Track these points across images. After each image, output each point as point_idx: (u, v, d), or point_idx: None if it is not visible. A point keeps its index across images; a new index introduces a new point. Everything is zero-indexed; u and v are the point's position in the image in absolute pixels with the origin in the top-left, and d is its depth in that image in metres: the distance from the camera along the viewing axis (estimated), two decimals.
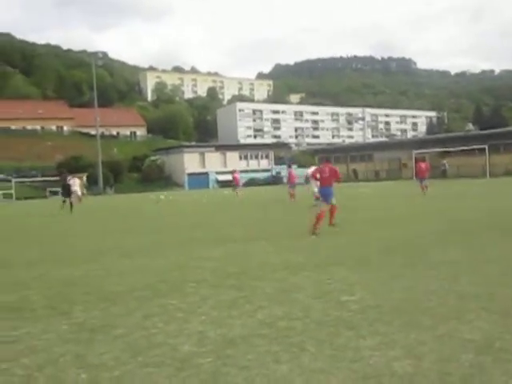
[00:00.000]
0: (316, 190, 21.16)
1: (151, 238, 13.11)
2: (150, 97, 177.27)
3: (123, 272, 8.24)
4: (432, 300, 5.53)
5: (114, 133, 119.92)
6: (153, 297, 6.31)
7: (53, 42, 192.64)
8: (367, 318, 4.97)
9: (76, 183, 35.42)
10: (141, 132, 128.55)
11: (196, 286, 6.86)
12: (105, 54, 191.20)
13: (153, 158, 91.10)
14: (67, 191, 29.13)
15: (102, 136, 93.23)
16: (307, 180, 23.28)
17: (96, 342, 4.67)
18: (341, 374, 3.64)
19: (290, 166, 36.43)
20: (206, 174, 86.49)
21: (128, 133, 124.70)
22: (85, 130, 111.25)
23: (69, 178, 31.32)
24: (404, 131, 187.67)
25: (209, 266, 8.39)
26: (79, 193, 36.90)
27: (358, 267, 7.66)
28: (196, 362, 4.03)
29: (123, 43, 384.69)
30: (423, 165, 27.63)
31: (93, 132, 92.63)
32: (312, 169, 24.04)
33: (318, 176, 13.39)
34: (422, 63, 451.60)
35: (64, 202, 28.80)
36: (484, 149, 56.08)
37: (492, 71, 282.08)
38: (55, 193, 69.33)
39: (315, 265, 7.99)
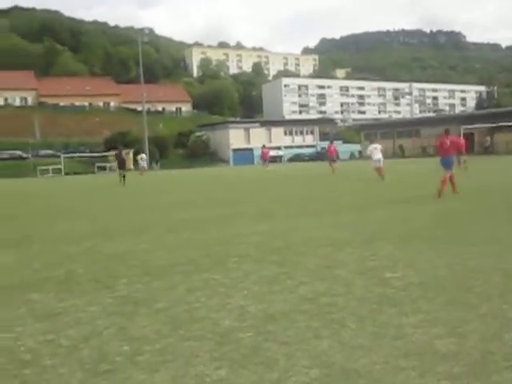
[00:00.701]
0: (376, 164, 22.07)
1: (196, 213, 13.19)
2: (195, 73, 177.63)
3: (167, 246, 8.32)
4: (476, 278, 5.43)
5: (160, 109, 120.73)
6: (196, 271, 6.36)
7: (100, 19, 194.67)
8: (410, 295, 4.91)
9: (143, 158, 42.92)
10: (186, 108, 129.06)
11: (238, 260, 6.89)
12: (151, 31, 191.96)
13: (198, 133, 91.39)
14: (123, 165, 32.18)
15: (148, 112, 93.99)
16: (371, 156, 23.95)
17: (139, 315, 4.74)
18: (382, 351, 3.61)
19: (331, 142, 36.76)
20: (251, 149, 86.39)
21: (174, 109, 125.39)
22: (131, 106, 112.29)
23: (123, 152, 34.76)
24: (452, 106, 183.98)
25: (252, 241, 8.40)
26: (145, 166, 42.82)
27: (403, 243, 7.57)
28: (236, 336, 4.05)
29: (169, 19, 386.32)
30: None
31: (139, 108, 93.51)
32: (370, 147, 24.82)
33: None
34: (472, 36, 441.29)
35: (121, 174, 31.29)
36: None
37: None
38: (103, 168, 70.52)
39: (359, 241, 7.92)
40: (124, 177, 30.99)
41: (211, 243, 8.39)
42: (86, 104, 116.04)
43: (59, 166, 66.52)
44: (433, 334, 3.87)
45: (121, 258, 7.53)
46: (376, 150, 24.23)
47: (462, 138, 27.10)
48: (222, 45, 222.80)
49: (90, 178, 50.99)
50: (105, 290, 5.65)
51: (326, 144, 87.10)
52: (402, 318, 4.29)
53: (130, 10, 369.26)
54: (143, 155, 50.10)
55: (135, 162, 65.35)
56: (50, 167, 66.76)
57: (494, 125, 61.38)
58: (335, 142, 41.40)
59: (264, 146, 48.56)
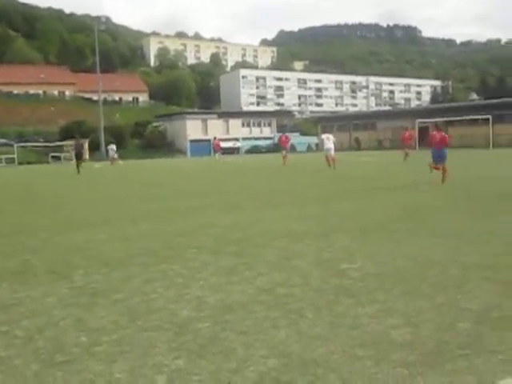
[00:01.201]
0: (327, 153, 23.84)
1: (157, 205, 13.12)
2: (152, 62, 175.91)
3: (127, 238, 8.25)
4: (433, 269, 5.54)
5: (117, 98, 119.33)
6: (154, 262, 6.32)
7: (55, 6, 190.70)
8: (367, 286, 4.98)
9: (113, 148, 48.72)
10: (143, 98, 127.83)
11: (197, 251, 6.88)
12: (108, 19, 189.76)
13: (155, 124, 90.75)
14: (80, 155, 34.59)
15: (105, 101, 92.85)
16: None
17: (96, 305, 4.69)
18: (339, 340, 3.66)
19: (283, 133, 39.10)
20: (209, 141, 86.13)
21: (130, 98, 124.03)
22: (87, 96, 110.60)
23: (80, 141, 37.15)
24: (408, 100, 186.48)
25: (213, 232, 8.40)
26: (115, 156, 43.59)
27: (362, 235, 7.66)
28: (194, 326, 4.05)
29: (127, 8, 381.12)
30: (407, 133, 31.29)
31: (95, 97, 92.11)
32: (323, 135, 26.93)
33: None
34: (428, 32, 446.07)
35: (78, 163, 33.00)
36: (488, 119, 55.84)
37: (498, 40, 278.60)
38: (58, 158, 69.38)
39: (317, 233, 7.99)
40: (79, 166, 32.27)
41: (172, 234, 8.35)
42: (41, 92, 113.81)
43: (12, 156, 65.25)
44: (388, 324, 3.94)
45: (79, 249, 7.44)
46: (328, 140, 25.77)
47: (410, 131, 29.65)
48: (180, 35, 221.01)
49: (46, 168, 50.19)
50: (61, 281, 5.58)
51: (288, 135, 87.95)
52: (359, 308, 4.35)
53: None
54: (113, 146, 50.82)
55: (90, 151, 64.70)
56: (3, 156, 65.45)
57: (448, 119, 62.47)
58: (293, 134, 43.32)
59: (215, 137, 49.80)
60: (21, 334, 4.02)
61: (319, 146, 71.06)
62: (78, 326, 4.18)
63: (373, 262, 5.96)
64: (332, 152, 25.84)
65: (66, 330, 4.09)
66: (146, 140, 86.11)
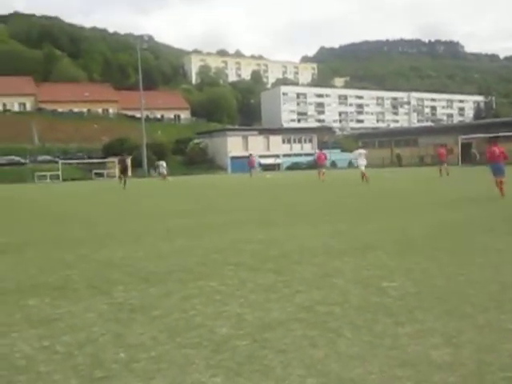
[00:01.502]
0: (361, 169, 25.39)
1: (194, 220, 13.19)
2: (194, 80, 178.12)
3: (163, 254, 8.31)
4: (473, 288, 5.44)
5: (159, 116, 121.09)
6: (192, 279, 6.35)
7: (99, 26, 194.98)
8: (406, 305, 4.91)
9: (163, 165, 51.98)
10: (185, 115, 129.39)
11: (235, 268, 6.88)
12: (150, 37, 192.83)
13: (196, 141, 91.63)
14: (126, 171, 37.60)
15: (147, 119, 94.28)
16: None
17: (135, 322, 4.73)
18: (377, 360, 3.61)
19: (320, 150, 39.98)
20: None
21: (172, 116, 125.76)
22: (130, 113, 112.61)
23: (127, 159, 40.85)
24: (450, 116, 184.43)
25: (249, 248, 8.41)
26: (165, 172, 45.19)
27: (400, 252, 7.57)
28: (233, 344, 4.04)
29: (168, 26, 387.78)
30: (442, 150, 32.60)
31: (138, 115, 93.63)
32: (357, 151, 27.84)
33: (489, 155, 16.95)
34: (470, 47, 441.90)
35: (120, 178, 36.21)
36: None
37: None
38: (101, 174, 70.53)
39: (355, 250, 7.92)
40: (125, 182, 34.62)
41: (208, 251, 8.38)
42: (85, 110, 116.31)
43: (57, 172, 66.54)
44: (428, 344, 3.87)
45: (117, 264, 7.52)
46: (361, 156, 26.90)
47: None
48: (221, 52, 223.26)
49: (89, 184, 51.01)
50: (101, 297, 5.65)
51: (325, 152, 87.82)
52: (398, 327, 4.29)
53: (129, 17, 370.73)
54: (163, 162, 53.73)
55: (133, 168, 65.60)
56: (48, 173, 66.79)
57: (492, 135, 61.46)
58: (333, 151, 44.43)
59: (250, 154, 50.79)
60: (61, 350, 4.06)
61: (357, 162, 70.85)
62: (117, 342, 4.21)
63: (411, 280, 5.88)
64: (363, 168, 26.66)
65: (105, 345, 4.13)
66: (188, 157, 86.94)
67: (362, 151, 28.16)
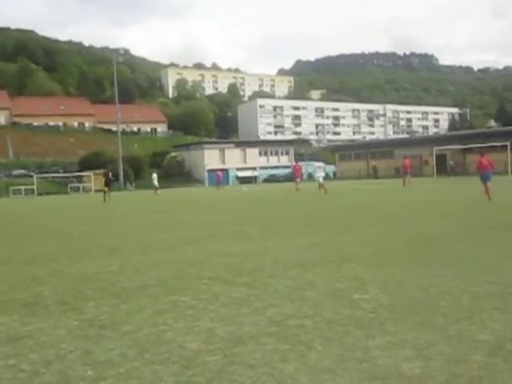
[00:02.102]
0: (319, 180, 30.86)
1: (168, 235, 13.11)
2: (171, 93, 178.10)
3: (138, 268, 8.24)
4: (445, 299, 5.46)
5: (135, 129, 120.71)
6: (165, 293, 6.30)
7: (75, 39, 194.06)
8: (378, 318, 4.91)
9: (155, 177, 51.19)
10: (162, 128, 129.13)
11: (209, 282, 6.84)
12: (126, 51, 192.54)
13: (173, 154, 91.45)
14: (108, 184, 38.03)
15: (123, 132, 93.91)
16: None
17: (104, 338, 4.66)
18: (347, 374, 3.59)
19: (296, 162, 42.88)
20: (226, 170, 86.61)
21: (149, 129, 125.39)
22: (106, 127, 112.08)
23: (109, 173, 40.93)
24: (426, 128, 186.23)
25: (224, 262, 8.37)
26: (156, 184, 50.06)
27: (373, 265, 7.58)
28: (203, 359, 4.00)
29: (145, 39, 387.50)
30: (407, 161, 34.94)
31: (114, 128, 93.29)
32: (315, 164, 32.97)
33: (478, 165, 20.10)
34: (445, 59, 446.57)
35: (104, 192, 36.58)
36: (506, 146, 55.57)
37: None
38: (76, 189, 69.98)
39: (329, 262, 7.93)
40: (109, 195, 36.27)
41: (182, 264, 8.33)
42: (61, 124, 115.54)
43: (32, 187, 65.90)
44: (399, 357, 3.86)
45: (89, 280, 7.44)
46: (319, 169, 32.33)
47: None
48: (198, 66, 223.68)
49: (64, 198, 50.56)
50: (71, 313, 5.57)
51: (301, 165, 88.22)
52: (369, 340, 4.28)
53: (105, 30, 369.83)
54: (155, 174, 53.88)
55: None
56: (23, 187, 66.13)
57: (466, 146, 62.27)
58: (310, 163, 47.56)
59: (217, 170, 53.70)
60: (27, 368, 3.99)
61: (337, 175, 71.13)
62: (85, 359, 4.14)
63: (384, 292, 5.88)
64: (321, 179, 31.17)
65: (74, 363, 4.06)
66: (164, 170, 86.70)
67: (320, 164, 33.49)
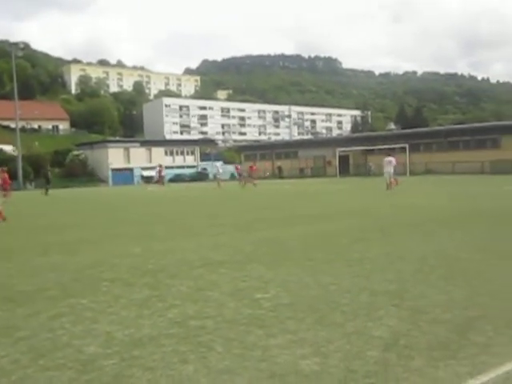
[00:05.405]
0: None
1: (71, 234, 12.76)
2: (74, 90, 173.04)
3: (36, 270, 7.96)
4: (345, 297, 5.58)
5: (36, 126, 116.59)
6: (63, 297, 6.11)
7: None
8: (279, 316, 4.96)
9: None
10: (64, 126, 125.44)
11: (110, 284, 6.70)
12: (26, 45, 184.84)
13: (76, 152, 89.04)
14: (48, 182, 44.58)
15: (23, 129, 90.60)
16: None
17: None
18: (247, 373, 3.61)
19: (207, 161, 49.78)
20: (131, 169, 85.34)
21: (50, 126, 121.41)
22: (4, 123, 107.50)
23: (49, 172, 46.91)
24: (329, 129, 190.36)
25: (126, 263, 8.22)
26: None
27: (277, 264, 7.66)
28: (100, 364, 3.90)
29: (46, 34, 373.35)
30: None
31: (12, 125, 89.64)
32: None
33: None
34: (348, 63, 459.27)
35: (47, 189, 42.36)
36: (405, 148, 57.81)
37: (415, 72, 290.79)
38: None
39: (233, 262, 7.95)
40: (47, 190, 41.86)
41: (83, 266, 8.11)
42: None
43: None
44: (298, 355, 3.92)
45: None
46: (220, 167, 38.48)
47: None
48: (102, 62, 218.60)
49: None
50: None
51: (206, 164, 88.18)
52: (269, 339, 4.31)
53: (4, 23, 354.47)
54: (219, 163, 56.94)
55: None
56: None
57: (368, 148, 64.25)
58: (216, 163, 50.98)
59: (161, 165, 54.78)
60: None
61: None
62: None
63: (286, 291, 5.96)
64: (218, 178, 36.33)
65: None
66: (67, 169, 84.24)
67: (219, 164, 38.40)
